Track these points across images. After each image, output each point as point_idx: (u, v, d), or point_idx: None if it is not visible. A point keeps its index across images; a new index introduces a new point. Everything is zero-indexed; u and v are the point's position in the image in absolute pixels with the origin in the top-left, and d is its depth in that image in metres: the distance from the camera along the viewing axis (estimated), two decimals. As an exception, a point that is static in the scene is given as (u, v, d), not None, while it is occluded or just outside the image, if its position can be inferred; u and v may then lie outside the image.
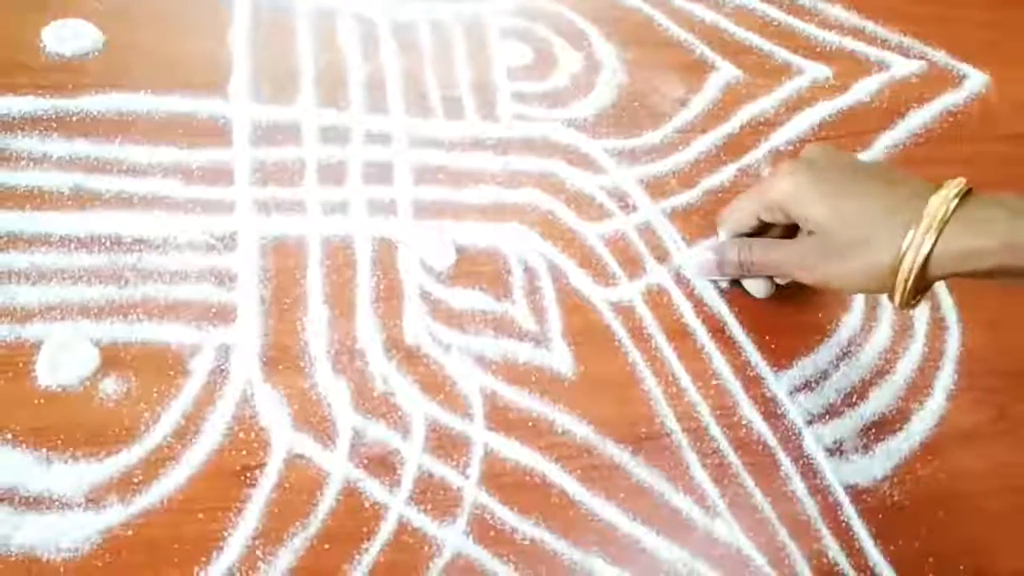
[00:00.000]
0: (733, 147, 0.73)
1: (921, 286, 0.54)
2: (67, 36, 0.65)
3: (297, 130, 0.65)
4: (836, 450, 0.63)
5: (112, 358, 0.55)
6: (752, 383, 0.64)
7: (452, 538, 0.55)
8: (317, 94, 0.67)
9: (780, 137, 0.75)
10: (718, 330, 0.65)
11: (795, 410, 0.64)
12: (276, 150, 0.64)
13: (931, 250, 0.52)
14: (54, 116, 0.62)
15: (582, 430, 0.60)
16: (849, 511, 0.61)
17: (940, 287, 0.71)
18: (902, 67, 0.81)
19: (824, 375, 0.66)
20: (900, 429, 0.65)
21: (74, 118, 0.62)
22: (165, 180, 0.61)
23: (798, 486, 0.61)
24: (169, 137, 0.63)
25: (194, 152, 0.63)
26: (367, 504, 0.55)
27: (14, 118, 0.61)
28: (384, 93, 0.69)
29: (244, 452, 0.54)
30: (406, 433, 0.57)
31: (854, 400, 0.65)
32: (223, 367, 0.57)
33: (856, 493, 0.62)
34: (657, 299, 0.66)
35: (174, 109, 0.64)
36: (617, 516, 0.58)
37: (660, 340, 0.64)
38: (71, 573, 0.49)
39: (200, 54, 0.67)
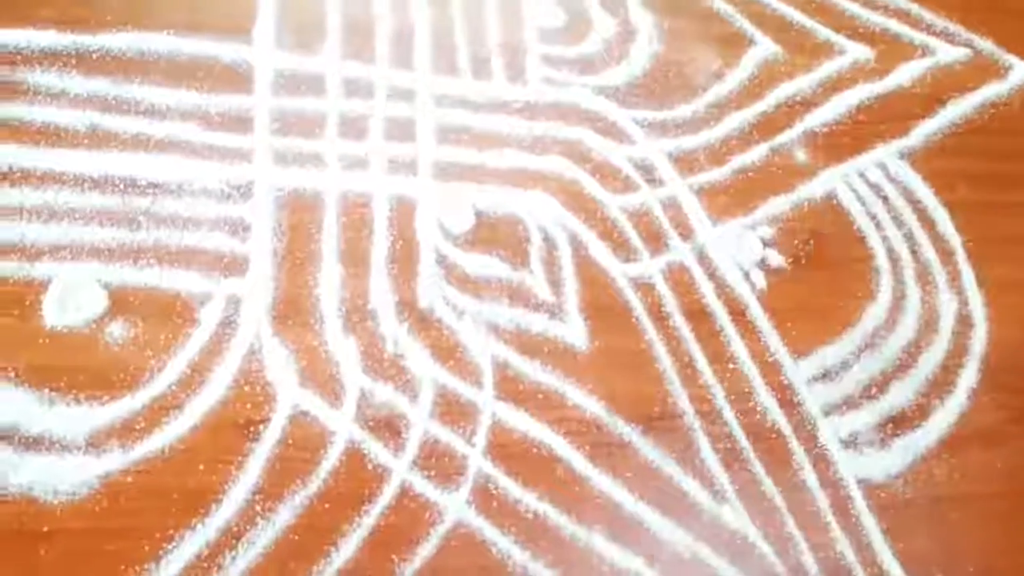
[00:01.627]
0: (766, 126, 0.71)
1: None
2: (91, -30, 0.63)
3: (320, 81, 0.64)
4: (851, 443, 0.62)
5: (120, 302, 0.55)
6: (770, 369, 0.63)
7: (454, 506, 0.54)
8: (342, 45, 0.66)
9: (816, 119, 0.72)
10: (739, 313, 0.64)
11: (812, 399, 0.62)
12: (298, 100, 0.63)
13: None
14: (74, 52, 0.61)
15: (593, 405, 0.59)
16: (860, 505, 0.60)
17: (969, 283, 0.69)
18: (947, 54, 0.79)
19: (845, 365, 0.64)
20: (918, 426, 0.64)
21: (94, 55, 0.61)
22: (183, 124, 0.60)
23: (810, 476, 0.60)
24: (189, 80, 0.61)
25: (214, 97, 0.61)
26: (370, 466, 0.54)
27: (34, 52, 0.60)
28: (411, 48, 0.67)
29: (249, 406, 0.54)
30: (414, 397, 0.56)
31: (873, 393, 0.64)
32: (232, 318, 0.56)
33: (869, 488, 0.61)
34: (678, 277, 0.64)
35: (196, 52, 0.62)
36: (623, 494, 0.57)
37: (678, 319, 0.63)
38: (68, 516, 0.49)
39: (226, -3, 0.65)
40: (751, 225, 0.67)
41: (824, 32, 0.77)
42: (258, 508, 0.51)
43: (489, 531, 0.54)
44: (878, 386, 0.64)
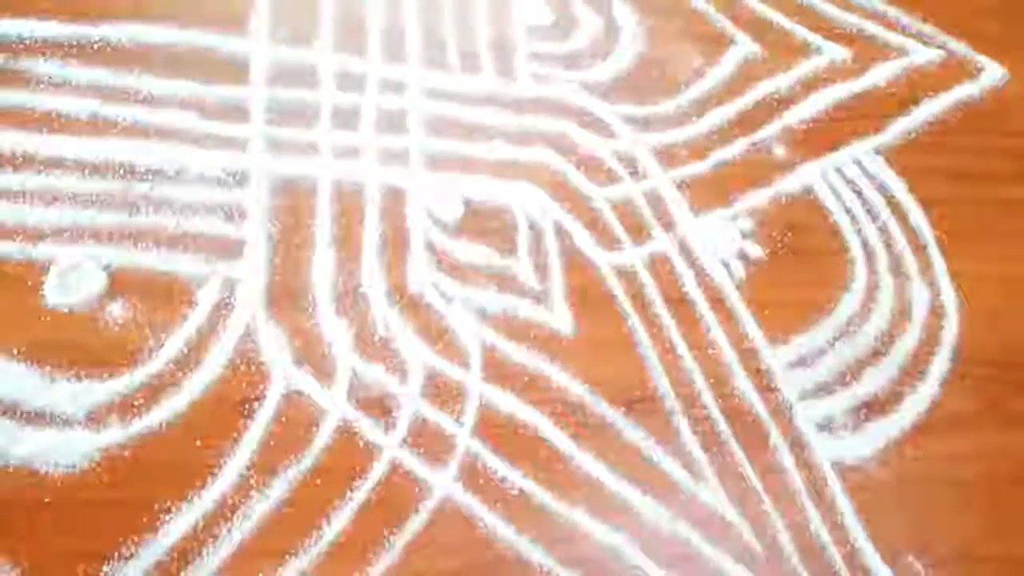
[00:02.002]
0: (746, 122, 0.73)
1: None
2: (92, -37, 0.65)
3: (314, 73, 0.66)
4: (826, 427, 0.64)
5: (120, 283, 0.56)
6: (748, 355, 0.65)
7: (442, 483, 0.56)
8: (336, 39, 0.67)
9: (794, 116, 0.75)
10: (718, 301, 0.66)
11: (788, 385, 0.64)
12: (292, 91, 0.65)
13: None
14: (75, 43, 0.62)
15: (577, 388, 0.60)
16: (835, 487, 0.62)
17: (941, 274, 0.71)
18: (921, 55, 0.81)
19: (820, 352, 0.66)
20: (891, 411, 0.66)
21: (95, 46, 0.62)
22: (181, 113, 0.62)
23: (786, 459, 0.62)
24: (187, 70, 0.63)
25: (211, 87, 0.63)
26: (361, 444, 0.56)
27: (36, 42, 0.61)
28: (402, 42, 0.69)
29: (244, 384, 0.55)
30: (404, 378, 0.58)
31: (848, 379, 0.66)
32: (228, 300, 0.57)
33: (843, 470, 0.63)
34: (660, 266, 0.66)
35: (194, 43, 0.64)
36: (605, 473, 0.58)
37: (660, 306, 0.65)
38: (68, 488, 0.51)
39: (223, -9, 0.67)
40: (731, 217, 0.69)
41: (802, 33, 0.79)
42: (253, 482, 0.53)
43: (476, 507, 0.56)
44: (852, 373, 0.66)
